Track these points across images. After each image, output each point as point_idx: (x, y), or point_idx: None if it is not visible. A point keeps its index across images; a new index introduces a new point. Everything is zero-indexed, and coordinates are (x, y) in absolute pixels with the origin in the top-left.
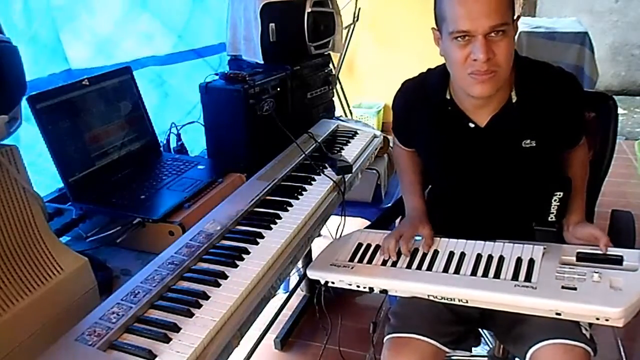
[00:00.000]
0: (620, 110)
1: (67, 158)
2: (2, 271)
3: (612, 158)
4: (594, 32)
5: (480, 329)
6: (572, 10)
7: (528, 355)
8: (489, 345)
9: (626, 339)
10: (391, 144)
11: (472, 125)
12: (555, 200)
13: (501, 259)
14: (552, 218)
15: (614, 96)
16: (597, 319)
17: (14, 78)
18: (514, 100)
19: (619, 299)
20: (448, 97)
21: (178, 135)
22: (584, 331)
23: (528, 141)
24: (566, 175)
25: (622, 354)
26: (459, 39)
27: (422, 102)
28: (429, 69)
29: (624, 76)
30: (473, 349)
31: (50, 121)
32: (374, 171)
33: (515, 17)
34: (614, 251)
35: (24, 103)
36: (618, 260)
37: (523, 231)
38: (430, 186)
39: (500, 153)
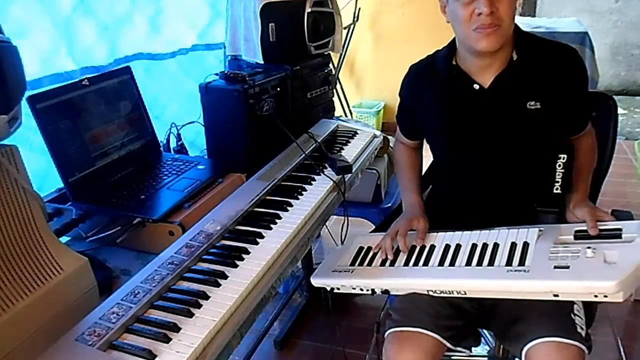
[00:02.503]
0: (620, 110)
1: (67, 158)
2: (2, 271)
3: (612, 158)
4: (594, 32)
5: (480, 329)
6: (572, 10)
7: (523, 353)
8: (489, 345)
9: (626, 339)
10: (391, 144)
11: (476, 86)
12: (559, 166)
13: (496, 246)
14: (557, 189)
15: (614, 96)
16: (596, 296)
17: (14, 78)
18: (514, 59)
19: (613, 272)
20: (454, 63)
21: (178, 135)
22: (579, 330)
23: (533, 102)
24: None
25: (622, 354)
26: None
27: (429, 75)
28: (437, 50)
29: (624, 76)
30: (473, 349)
31: (50, 121)
32: (374, 171)
33: None
34: (612, 225)
35: (24, 103)
36: (617, 234)
37: (525, 213)
38: (431, 186)
39: (505, 115)
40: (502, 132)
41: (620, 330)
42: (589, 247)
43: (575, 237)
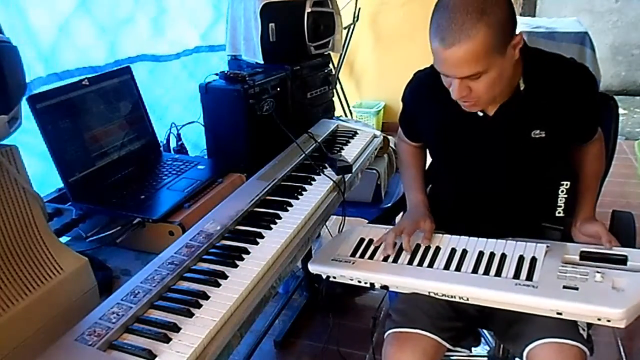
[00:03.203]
0: (620, 110)
1: (67, 158)
2: (2, 271)
3: (613, 158)
4: (594, 32)
5: (480, 329)
6: (572, 10)
7: (524, 354)
8: (489, 345)
9: (626, 339)
10: (391, 144)
11: (480, 114)
12: (562, 192)
13: (503, 256)
14: (559, 213)
15: (614, 96)
16: (599, 319)
17: (14, 78)
18: (521, 88)
19: (620, 300)
20: None
21: (178, 135)
22: (581, 331)
23: (537, 131)
24: (578, 168)
25: (622, 354)
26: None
27: (433, 91)
28: None
29: (624, 76)
30: (473, 348)
31: (50, 121)
32: (374, 171)
33: (511, 40)
34: (618, 250)
35: (24, 103)
36: (622, 260)
37: (530, 230)
38: (430, 185)
39: (509, 143)
40: (503, 159)
41: (620, 330)
42: (597, 272)
43: (581, 258)
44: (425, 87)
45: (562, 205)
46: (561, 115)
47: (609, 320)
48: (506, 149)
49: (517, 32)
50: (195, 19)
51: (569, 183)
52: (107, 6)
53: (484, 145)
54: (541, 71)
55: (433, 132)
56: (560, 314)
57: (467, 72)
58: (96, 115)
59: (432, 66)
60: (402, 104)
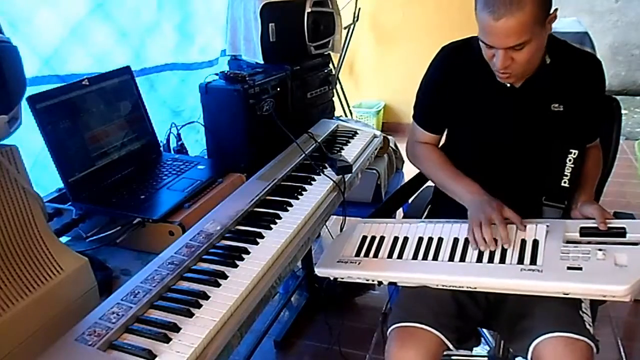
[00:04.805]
0: None
1: (67, 158)
2: (2, 271)
3: (615, 159)
4: (594, 32)
5: (480, 329)
6: (572, 10)
7: (530, 349)
8: (489, 345)
9: (626, 338)
10: (391, 144)
11: (508, 84)
12: (569, 161)
13: None
14: (565, 183)
15: (614, 96)
16: (604, 296)
17: (14, 78)
18: (547, 62)
19: (624, 276)
20: None
21: (178, 135)
22: (587, 326)
23: (556, 105)
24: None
25: (622, 354)
26: (485, 43)
27: (462, 63)
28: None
29: (624, 76)
30: (473, 348)
31: (50, 121)
32: (374, 171)
33: (549, 15)
34: (616, 223)
35: (24, 103)
36: (621, 233)
37: (532, 205)
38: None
39: (529, 114)
40: (522, 129)
41: (620, 330)
42: (599, 249)
43: (581, 234)
44: (455, 57)
45: (569, 175)
46: (578, 93)
47: (614, 296)
48: (526, 119)
49: None
50: (220, 25)
51: (577, 152)
52: (128, 12)
53: (507, 117)
54: (564, 50)
55: (459, 104)
56: (567, 293)
57: (514, 41)
58: (96, 115)
59: (462, 40)
60: (423, 86)
